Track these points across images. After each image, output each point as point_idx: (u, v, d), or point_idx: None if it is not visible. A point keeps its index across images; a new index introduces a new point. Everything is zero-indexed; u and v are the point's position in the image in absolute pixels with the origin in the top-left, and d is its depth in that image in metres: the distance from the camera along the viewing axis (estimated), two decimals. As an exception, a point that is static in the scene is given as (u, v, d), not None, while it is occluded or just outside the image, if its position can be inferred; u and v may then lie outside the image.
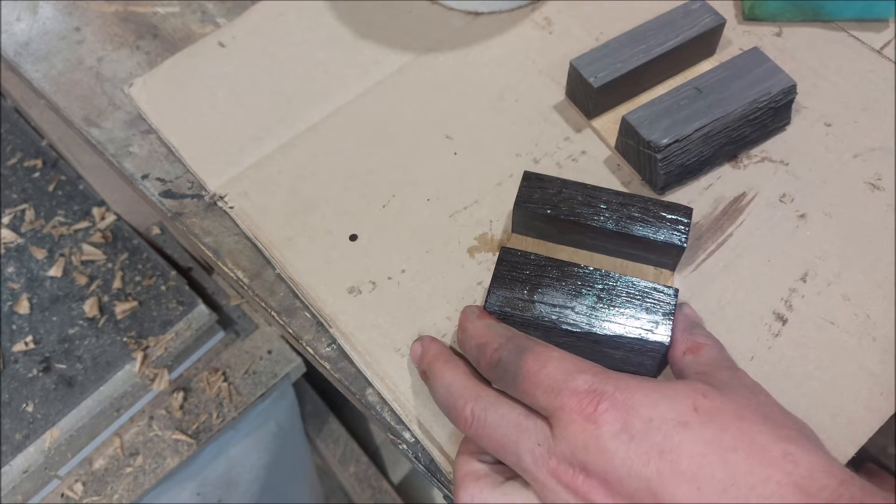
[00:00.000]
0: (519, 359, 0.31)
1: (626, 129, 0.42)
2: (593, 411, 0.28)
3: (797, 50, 0.47)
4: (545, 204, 0.38)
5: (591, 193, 0.39)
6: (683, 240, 0.37)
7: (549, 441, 0.29)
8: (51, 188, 0.71)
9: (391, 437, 0.38)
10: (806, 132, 0.44)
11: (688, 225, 0.38)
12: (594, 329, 0.35)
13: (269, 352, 0.68)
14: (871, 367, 0.37)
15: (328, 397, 0.97)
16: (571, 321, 0.35)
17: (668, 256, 0.39)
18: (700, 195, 0.42)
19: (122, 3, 0.54)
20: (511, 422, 0.30)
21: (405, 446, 0.37)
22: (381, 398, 0.38)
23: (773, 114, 0.42)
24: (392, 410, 0.38)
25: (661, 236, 0.37)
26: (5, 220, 0.68)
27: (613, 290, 0.36)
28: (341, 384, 0.39)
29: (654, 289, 0.36)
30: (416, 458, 0.37)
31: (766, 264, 0.40)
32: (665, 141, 0.40)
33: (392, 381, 0.38)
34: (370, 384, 0.38)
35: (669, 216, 0.38)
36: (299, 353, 0.67)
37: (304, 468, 0.89)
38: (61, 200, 0.70)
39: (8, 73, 0.54)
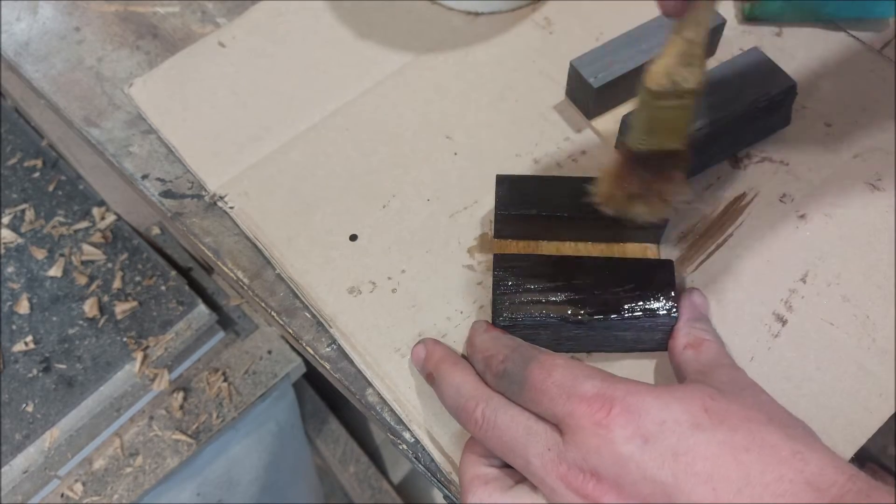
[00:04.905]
0: (524, 368, 0.31)
1: (627, 129, 0.42)
2: (605, 416, 0.28)
3: (797, 50, 0.47)
4: (524, 205, 0.38)
5: (566, 185, 0.39)
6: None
7: (559, 446, 0.29)
8: (51, 188, 0.71)
9: (391, 437, 0.38)
10: (806, 132, 0.44)
11: None
12: (603, 316, 0.35)
13: (269, 352, 0.68)
14: (870, 368, 0.37)
15: (328, 397, 0.97)
16: (580, 313, 0.35)
17: (651, 232, 0.39)
18: (700, 195, 0.42)
19: (122, 3, 0.54)
20: (521, 424, 0.30)
21: (405, 446, 0.37)
22: (381, 398, 0.38)
23: (773, 114, 0.42)
24: (392, 410, 0.38)
25: None
26: (5, 220, 0.68)
27: (611, 274, 0.36)
28: (341, 384, 0.39)
29: (650, 264, 0.36)
30: (416, 458, 0.37)
31: (766, 264, 0.40)
32: (665, 141, 0.40)
33: (392, 381, 0.38)
34: (370, 384, 0.38)
35: None
36: (299, 353, 0.67)
37: (304, 468, 0.89)
38: (61, 200, 0.70)
39: (8, 73, 0.54)
